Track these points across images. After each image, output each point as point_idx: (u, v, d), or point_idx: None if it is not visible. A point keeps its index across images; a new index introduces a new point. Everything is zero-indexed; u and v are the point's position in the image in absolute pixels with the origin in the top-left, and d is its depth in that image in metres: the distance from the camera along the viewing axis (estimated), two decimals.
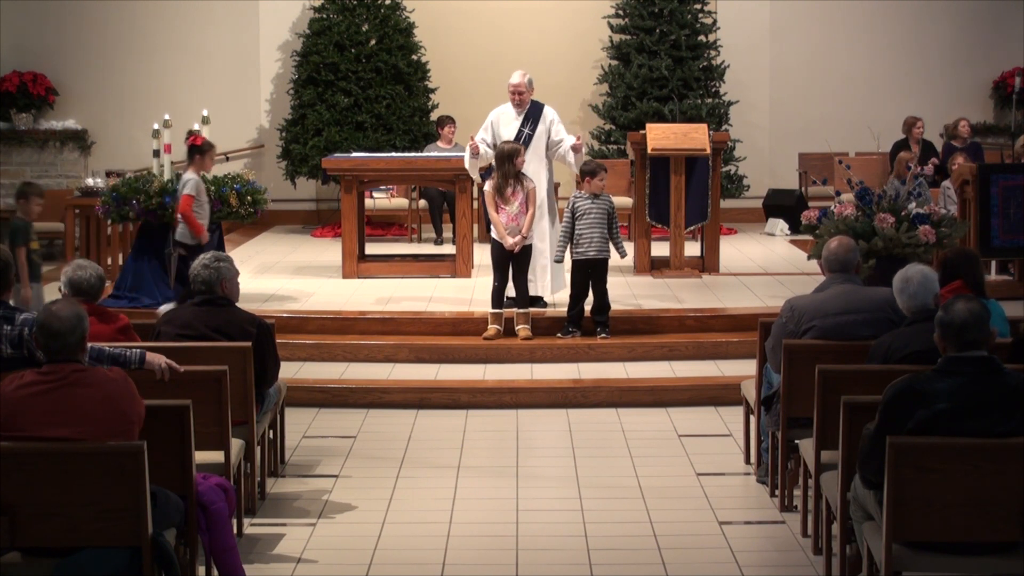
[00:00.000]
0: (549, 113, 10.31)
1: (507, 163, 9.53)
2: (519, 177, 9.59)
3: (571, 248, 9.63)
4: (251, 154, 16.49)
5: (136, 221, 10.66)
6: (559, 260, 9.89)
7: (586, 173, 9.67)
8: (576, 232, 9.54)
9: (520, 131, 10.20)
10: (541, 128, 10.24)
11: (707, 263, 12.24)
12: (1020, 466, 4.71)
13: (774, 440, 6.75)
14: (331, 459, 7.63)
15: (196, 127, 10.78)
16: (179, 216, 9.82)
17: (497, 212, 9.58)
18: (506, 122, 10.27)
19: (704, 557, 6.03)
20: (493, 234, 9.66)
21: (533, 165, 10.07)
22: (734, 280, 11.79)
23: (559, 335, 9.69)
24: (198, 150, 9.89)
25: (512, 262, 9.60)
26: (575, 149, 10.15)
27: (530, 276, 9.92)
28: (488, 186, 9.72)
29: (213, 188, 10.30)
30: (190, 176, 9.81)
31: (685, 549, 6.12)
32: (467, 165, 10.47)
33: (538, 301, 10.17)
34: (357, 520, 6.59)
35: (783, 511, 6.64)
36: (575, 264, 9.61)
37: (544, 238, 10.16)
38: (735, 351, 9.44)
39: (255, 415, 6.58)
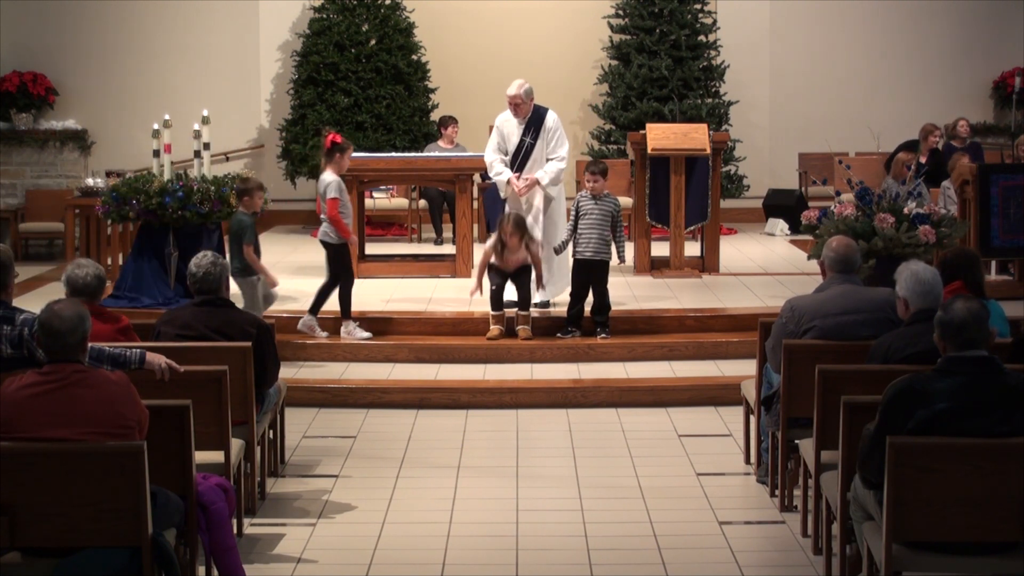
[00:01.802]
0: (551, 121, 10.20)
1: (503, 243, 9.50)
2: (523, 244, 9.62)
3: (572, 247, 9.67)
4: (251, 154, 16.50)
5: (136, 221, 10.66)
6: (558, 251, 9.86)
7: (586, 171, 9.71)
8: (577, 231, 9.56)
9: (522, 141, 10.14)
10: (543, 138, 10.19)
11: (707, 263, 12.24)
12: (1020, 466, 4.71)
13: (774, 440, 6.75)
14: (331, 459, 7.63)
15: (196, 127, 10.78)
16: (322, 217, 9.62)
17: (484, 270, 9.63)
18: (509, 131, 10.23)
19: (704, 557, 6.03)
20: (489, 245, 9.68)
21: (536, 173, 10.10)
22: (734, 280, 11.79)
23: (559, 335, 9.69)
24: (338, 148, 9.56)
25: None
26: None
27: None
28: (488, 243, 9.74)
29: (213, 188, 10.30)
30: (331, 178, 9.53)
31: (685, 549, 6.12)
32: (496, 179, 10.30)
33: (545, 301, 10.20)
34: (357, 520, 6.59)
35: (783, 511, 6.64)
36: (575, 264, 9.63)
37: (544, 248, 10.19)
38: (735, 351, 9.45)
39: (255, 415, 6.58)
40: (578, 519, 6.55)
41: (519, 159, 10.13)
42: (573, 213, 9.63)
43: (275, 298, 9.60)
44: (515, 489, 7.05)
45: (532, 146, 10.14)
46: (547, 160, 10.15)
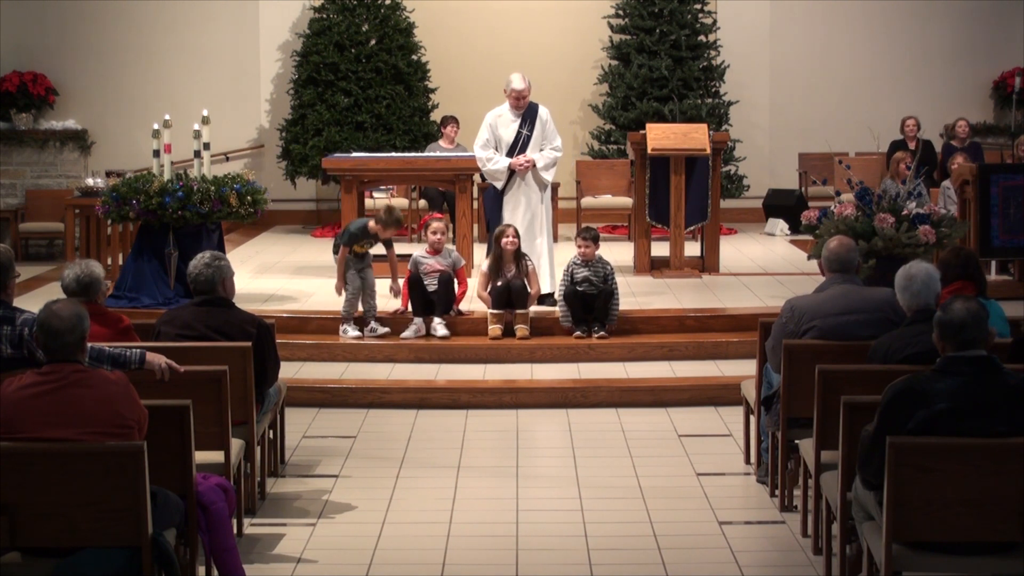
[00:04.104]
0: (544, 114, 10.29)
1: (500, 252, 9.63)
2: (518, 263, 9.68)
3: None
4: (251, 154, 16.50)
5: (136, 221, 10.65)
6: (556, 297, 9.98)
7: (577, 236, 9.78)
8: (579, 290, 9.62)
9: (519, 132, 10.20)
10: (538, 129, 10.23)
11: (707, 263, 12.24)
12: (1020, 466, 4.71)
13: (774, 440, 6.75)
14: (331, 459, 7.63)
15: (196, 127, 10.78)
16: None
17: (485, 290, 9.67)
18: (504, 124, 10.26)
19: (704, 557, 6.03)
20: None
21: (532, 155, 10.14)
22: (734, 280, 11.79)
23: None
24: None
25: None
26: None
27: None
28: (485, 265, 9.76)
29: (213, 188, 10.29)
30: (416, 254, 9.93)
31: (685, 549, 6.12)
32: (491, 168, 10.25)
33: (547, 299, 10.18)
34: (357, 520, 6.59)
35: (783, 511, 6.64)
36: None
37: (544, 241, 10.19)
38: (735, 351, 9.44)
39: (255, 415, 6.58)
40: (578, 519, 6.55)
41: (516, 151, 10.16)
42: (566, 279, 9.63)
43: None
44: (515, 489, 7.05)
45: (529, 137, 10.19)
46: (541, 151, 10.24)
